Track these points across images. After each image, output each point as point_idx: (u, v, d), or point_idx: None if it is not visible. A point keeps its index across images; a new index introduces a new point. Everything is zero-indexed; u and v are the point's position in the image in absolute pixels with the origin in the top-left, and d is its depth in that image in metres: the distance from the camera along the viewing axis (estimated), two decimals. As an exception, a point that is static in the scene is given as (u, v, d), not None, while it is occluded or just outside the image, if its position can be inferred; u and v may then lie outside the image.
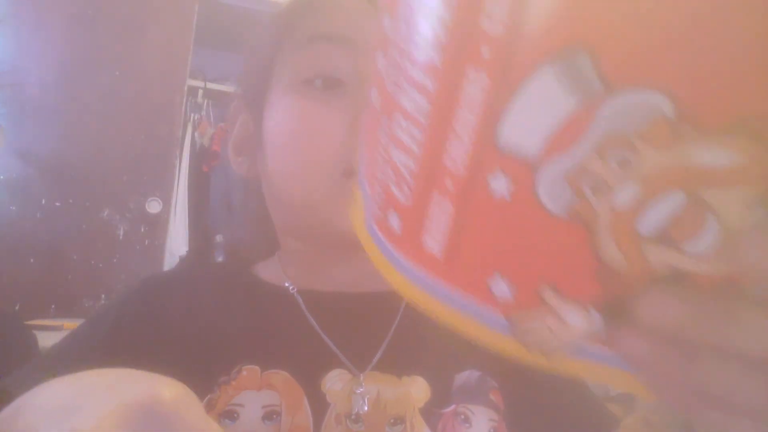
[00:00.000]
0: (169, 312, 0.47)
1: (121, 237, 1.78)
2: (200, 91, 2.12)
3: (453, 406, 0.43)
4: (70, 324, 1.57)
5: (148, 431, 0.23)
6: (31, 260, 1.70)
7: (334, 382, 0.43)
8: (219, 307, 0.48)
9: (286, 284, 0.49)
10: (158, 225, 1.82)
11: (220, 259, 0.60)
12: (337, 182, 0.44)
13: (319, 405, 0.42)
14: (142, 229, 1.81)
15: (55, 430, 0.24)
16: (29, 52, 1.79)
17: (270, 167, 0.48)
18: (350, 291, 0.49)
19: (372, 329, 0.47)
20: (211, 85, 2.13)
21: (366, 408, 0.42)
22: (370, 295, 0.47)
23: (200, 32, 1.93)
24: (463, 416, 0.43)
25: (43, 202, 1.73)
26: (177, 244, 1.92)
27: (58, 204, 1.74)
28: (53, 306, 1.70)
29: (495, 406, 0.44)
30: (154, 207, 1.81)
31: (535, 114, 0.17)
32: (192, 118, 2.10)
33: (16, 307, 1.67)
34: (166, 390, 0.25)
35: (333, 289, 0.48)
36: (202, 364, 0.43)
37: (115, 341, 0.45)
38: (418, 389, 0.44)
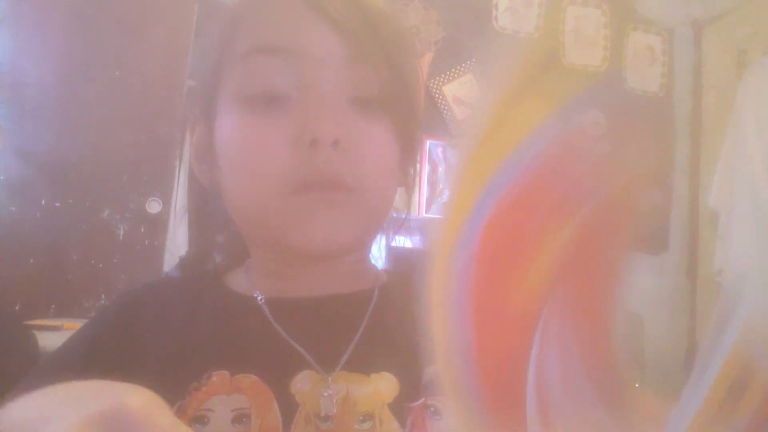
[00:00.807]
0: (141, 324, 0.49)
1: (121, 237, 1.78)
2: (200, 91, 2.12)
3: (422, 400, 0.45)
4: (70, 324, 1.57)
5: None
6: (31, 260, 1.70)
7: (303, 383, 0.45)
8: (189, 319, 0.49)
9: (255, 294, 0.50)
10: (158, 225, 1.82)
11: (219, 259, 0.61)
12: (288, 199, 0.45)
13: (288, 406, 0.44)
14: (142, 229, 1.81)
15: None
16: (29, 52, 1.78)
17: (224, 180, 0.49)
18: (318, 295, 0.50)
19: (340, 330, 0.48)
20: (211, 85, 2.13)
21: (334, 410, 0.44)
22: (338, 297, 0.49)
23: (200, 32, 1.92)
24: (433, 408, 0.45)
25: (43, 202, 1.73)
26: (177, 244, 1.92)
27: (58, 204, 1.74)
28: (53, 306, 1.70)
29: None
30: (154, 207, 1.81)
31: None
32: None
33: (16, 307, 1.67)
34: (133, 397, 0.26)
35: (301, 295, 0.50)
36: (172, 372, 0.45)
37: (92, 356, 0.47)
38: (386, 385, 0.45)
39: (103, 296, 1.74)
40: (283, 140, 0.45)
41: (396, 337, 0.48)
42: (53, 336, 1.46)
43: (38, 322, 1.56)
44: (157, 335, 0.48)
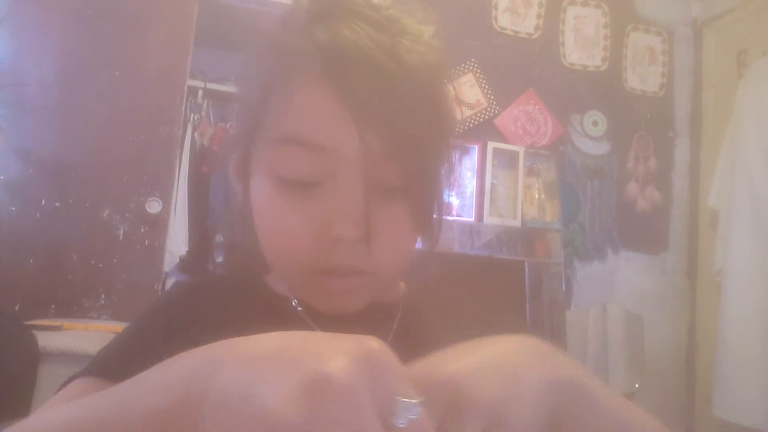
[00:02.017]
0: (204, 314, 0.53)
1: (121, 237, 1.78)
2: (200, 92, 2.12)
3: None
4: (70, 324, 1.57)
5: (371, 371, 0.28)
6: (31, 260, 1.70)
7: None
8: (239, 314, 0.54)
9: (293, 302, 0.55)
10: (158, 225, 1.82)
11: (219, 259, 0.63)
12: (308, 276, 0.49)
13: None
14: (142, 229, 1.81)
15: (288, 375, 0.27)
16: (29, 52, 1.79)
17: (257, 230, 0.52)
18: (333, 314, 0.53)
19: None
20: (211, 86, 2.13)
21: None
22: (367, 310, 0.52)
23: (200, 32, 1.93)
24: None
25: (43, 202, 1.73)
26: (177, 244, 1.92)
27: (58, 204, 1.74)
28: (53, 306, 1.70)
29: None
30: (154, 207, 1.81)
31: None
32: (192, 118, 2.10)
33: (16, 307, 1.67)
34: (375, 343, 0.29)
35: (323, 312, 0.53)
36: None
37: (169, 334, 0.51)
38: None
39: (103, 296, 1.74)
40: (308, 230, 0.47)
41: (420, 343, 0.51)
42: (53, 336, 1.46)
43: (38, 322, 1.56)
44: (209, 326, 0.51)
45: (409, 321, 0.56)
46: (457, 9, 2.28)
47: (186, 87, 1.92)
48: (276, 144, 0.48)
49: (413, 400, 0.28)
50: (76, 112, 1.79)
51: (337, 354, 0.28)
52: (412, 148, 0.46)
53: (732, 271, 2.04)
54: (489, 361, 0.35)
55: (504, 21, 2.40)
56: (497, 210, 2.28)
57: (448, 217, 2.21)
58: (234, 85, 0.55)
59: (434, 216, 0.53)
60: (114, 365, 0.49)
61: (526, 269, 2.22)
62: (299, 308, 0.54)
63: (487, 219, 2.24)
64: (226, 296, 0.56)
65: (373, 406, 0.27)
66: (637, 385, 2.30)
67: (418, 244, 0.56)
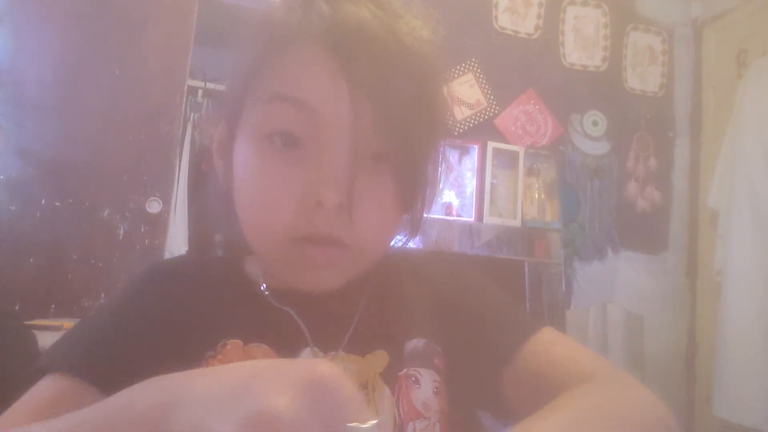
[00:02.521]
0: (170, 296, 0.53)
1: (121, 237, 1.78)
2: (200, 91, 2.12)
3: (405, 370, 0.51)
4: (70, 324, 1.57)
5: (318, 403, 0.27)
6: (31, 260, 1.70)
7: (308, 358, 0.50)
8: (208, 296, 0.54)
9: (262, 286, 0.55)
10: (158, 225, 1.82)
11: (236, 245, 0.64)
12: (287, 246, 0.48)
13: None
14: (142, 229, 1.81)
15: (231, 414, 0.27)
16: (29, 51, 1.78)
17: (237, 196, 0.52)
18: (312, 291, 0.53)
19: (339, 317, 0.53)
20: (211, 85, 2.13)
21: None
22: (333, 293, 0.52)
23: (200, 32, 1.92)
24: (413, 378, 0.51)
25: (43, 202, 1.73)
26: (177, 244, 1.92)
27: (58, 204, 1.74)
28: (53, 306, 1.70)
29: (437, 369, 0.52)
30: (154, 207, 1.81)
31: None
32: (192, 118, 2.09)
33: (16, 307, 1.67)
34: (323, 367, 0.29)
35: (298, 289, 0.53)
36: (191, 341, 0.49)
37: (130, 318, 0.51)
38: (378, 360, 0.51)
39: (103, 296, 1.74)
40: (291, 193, 0.47)
41: (387, 316, 0.54)
42: (53, 336, 1.46)
43: (38, 322, 1.56)
44: (180, 307, 0.52)
45: (378, 289, 0.56)
46: (457, 9, 2.28)
47: (186, 86, 1.91)
48: (265, 102, 0.47)
49: (365, 425, 0.27)
50: (76, 112, 1.79)
51: (283, 387, 0.27)
52: (401, 118, 0.46)
53: (732, 271, 2.04)
54: None
55: (504, 21, 2.40)
56: (497, 210, 2.28)
57: (448, 218, 2.21)
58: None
59: (418, 196, 0.52)
60: (89, 361, 0.47)
61: (526, 269, 2.22)
62: (267, 292, 0.54)
63: (487, 219, 2.24)
64: (200, 280, 0.56)
65: None
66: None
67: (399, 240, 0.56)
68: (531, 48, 2.43)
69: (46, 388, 0.46)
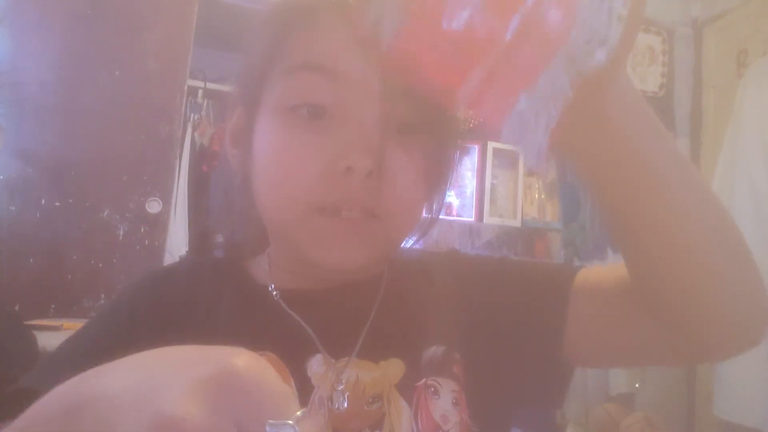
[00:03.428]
0: (172, 303, 0.51)
1: (121, 237, 1.78)
2: (200, 91, 2.12)
3: (423, 380, 0.48)
4: (70, 324, 1.57)
5: (231, 401, 0.25)
6: (31, 260, 1.70)
7: (318, 366, 0.47)
8: (212, 300, 0.51)
9: (270, 287, 0.52)
10: (158, 225, 1.82)
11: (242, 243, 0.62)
12: (312, 218, 0.45)
13: (304, 387, 0.46)
14: (142, 229, 1.81)
15: (136, 419, 0.24)
16: (29, 52, 1.79)
17: (256, 181, 0.49)
18: (331, 286, 0.51)
19: (351, 318, 0.51)
20: (211, 85, 2.13)
21: (346, 404, 0.46)
22: (350, 286, 0.50)
23: (200, 32, 1.93)
24: (432, 389, 0.48)
25: (43, 202, 1.73)
26: (177, 244, 1.92)
27: (58, 204, 1.74)
28: (53, 306, 1.70)
29: (456, 378, 0.49)
30: (154, 207, 1.81)
31: None
32: (192, 118, 2.10)
33: (16, 307, 1.67)
34: (237, 360, 0.26)
35: (315, 287, 0.51)
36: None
37: (132, 329, 0.49)
38: (393, 369, 0.48)
39: (103, 296, 1.74)
40: (318, 160, 0.44)
41: (403, 322, 0.51)
42: (53, 336, 1.46)
43: (38, 322, 1.56)
44: (178, 315, 0.50)
45: (392, 294, 0.53)
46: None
47: (186, 87, 1.91)
48: (291, 72, 0.45)
49: (286, 422, 0.25)
50: (76, 112, 1.79)
51: (192, 386, 0.25)
52: None
53: (732, 271, 2.04)
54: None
55: (504, 21, 2.40)
56: (497, 210, 2.28)
57: (448, 217, 2.21)
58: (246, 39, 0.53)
59: (445, 175, 0.50)
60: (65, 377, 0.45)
61: (526, 269, 2.22)
62: (275, 293, 0.51)
63: (487, 219, 2.24)
64: (197, 284, 0.53)
65: None
66: (637, 385, 2.30)
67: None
68: (531, 48, 2.42)
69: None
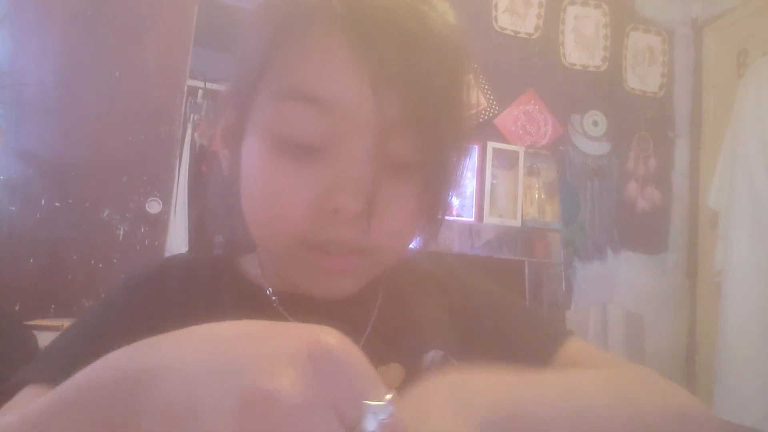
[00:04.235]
0: (155, 302, 0.49)
1: (121, 237, 1.78)
2: (200, 92, 2.12)
3: None
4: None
5: (325, 377, 0.24)
6: (31, 260, 1.70)
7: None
8: (209, 301, 0.49)
9: (267, 290, 0.50)
10: (158, 225, 1.82)
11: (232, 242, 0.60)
12: (299, 251, 0.43)
13: None
14: (142, 229, 1.81)
15: (222, 393, 0.23)
16: (29, 53, 1.79)
17: (244, 200, 0.47)
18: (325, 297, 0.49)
19: (350, 326, 0.48)
20: (211, 86, 2.13)
21: None
22: (345, 300, 0.48)
23: (200, 32, 1.93)
24: None
25: (43, 202, 1.73)
26: (177, 244, 1.92)
27: (58, 204, 1.74)
28: (53, 306, 1.70)
29: None
30: (154, 207, 1.81)
31: None
32: (192, 118, 2.10)
33: (16, 307, 1.67)
34: (328, 337, 0.25)
35: (309, 293, 0.49)
36: None
37: (129, 322, 0.47)
38: (393, 374, 0.47)
39: (102, 296, 1.74)
40: (306, 198, 0.42)
41: (402, 326, 0.50)
42: (53, 336, 1.46)
43: (38, 322, 1.56)
44: (169, 313, 0.47)
45: (391, 300, 0.52)
46: (457, 9, 2.27)
47: (186, 87, 1.91)
48: (280, 99, 0.42)
49: (381, 402, 0.24)
50: (76, 112, 1.79)
51: (284, 361, 0.23)
52: (431, 120, 0.42)
53: (732, 271, 2.04)
54: None
55: (504, 21, 2.40)
56: (497, 210, 2.28)
57: (448, 217, 2.21)
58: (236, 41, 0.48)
59: (444, 202, 0.48)
60: (65, 370, 0.44)
61: (526, 269, 2.22)
62: (273, 297, 0.49)
63: (487, 219, 2.24)
64: (192, 282, 0.51)
65: (335, 417, 0.23)
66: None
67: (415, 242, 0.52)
68: (531, 48, 2.43)
69: (24, 397, 0.42)
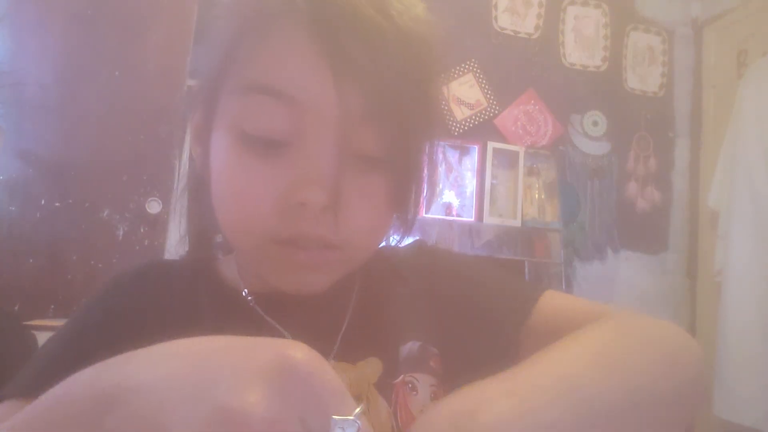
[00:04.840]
0: (133, 309, 0.48)
1: (121, 237, 1.78)
2: (200, 91, 2.12)
3: (401, 377, 0.48)
4: (70, 324, 1.57)
5: (293, 392, 0.23)
6: (31, 260, 1.70)
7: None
8: (186, 306, 0.49)
9: (243, 292, 0.50)
10: (158, 225, 1.82)
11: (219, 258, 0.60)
12: (268, 247, 0.43)
13: None
14: (142, 229, 1.81)
15: (191, 413, 0.23)
16: (29, 52, 1.79)
17: (214, 198, 0.47)
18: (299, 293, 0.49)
19: (327, 324, 0.49)
20: (211, 85, 2.13)
21: None
22: (320, 297, 0.48)
23: (200, 33, 1.93)
24: (410, 385, 0.48)
25: (43, 202, 1.73)
26: (177, 244, 1.92)
27: (58, 204, 1.74)
28: (53, 306, 1.70)
29: (434, 372, 0.49)
30: (154, 207, 1.81)
31: None
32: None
33: (16, 307, 1.67)
34: (296, 351, 0.25)
35: (282, 290, 0.49)
36: None
37: (109, 328, 0.47)
38: (371, 368, 0.47)
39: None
40: (272, 193, 0.42)
41: (378, 320, 0.51)
42: (53, 336, 1.46)
43: (38, 322, 1.56)
44: (148, 319, 0.48)
45: (367, 292, 0.53)
46: (457, 9, 2.28)
47: (186, 87, 1.91)
48: (243, 93, 0.42)
49: (350, 417, 0.24)
50: (76, 112, 1.79)
51: (252, 377, 0.23)
52: (395, 113, 0.41)
53: (732, 271, 2.04)
54: None
55: (504, 21, 2.40)
56: (497, 210, 2.28)
57: (448, 217, 2.21)
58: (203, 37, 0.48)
59: (411, 196, 0.47)
60: (41, 384, 0.42)
61: (526, 269, 2.22)
62: (249, 298, 0.49)
63: (487, 219, 2.24)
64: (171, 285, 0.51)
65: None
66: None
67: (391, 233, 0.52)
68: (531, 48, 2.43)
69: (1, 412, 0.41)
